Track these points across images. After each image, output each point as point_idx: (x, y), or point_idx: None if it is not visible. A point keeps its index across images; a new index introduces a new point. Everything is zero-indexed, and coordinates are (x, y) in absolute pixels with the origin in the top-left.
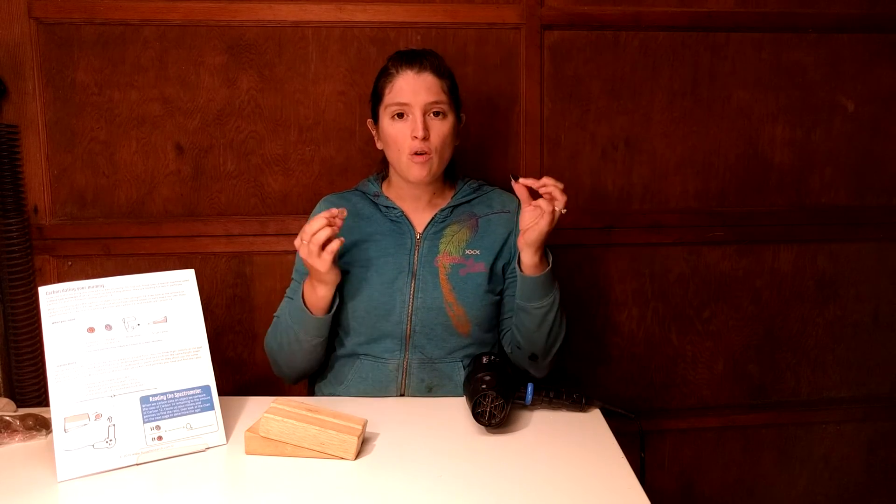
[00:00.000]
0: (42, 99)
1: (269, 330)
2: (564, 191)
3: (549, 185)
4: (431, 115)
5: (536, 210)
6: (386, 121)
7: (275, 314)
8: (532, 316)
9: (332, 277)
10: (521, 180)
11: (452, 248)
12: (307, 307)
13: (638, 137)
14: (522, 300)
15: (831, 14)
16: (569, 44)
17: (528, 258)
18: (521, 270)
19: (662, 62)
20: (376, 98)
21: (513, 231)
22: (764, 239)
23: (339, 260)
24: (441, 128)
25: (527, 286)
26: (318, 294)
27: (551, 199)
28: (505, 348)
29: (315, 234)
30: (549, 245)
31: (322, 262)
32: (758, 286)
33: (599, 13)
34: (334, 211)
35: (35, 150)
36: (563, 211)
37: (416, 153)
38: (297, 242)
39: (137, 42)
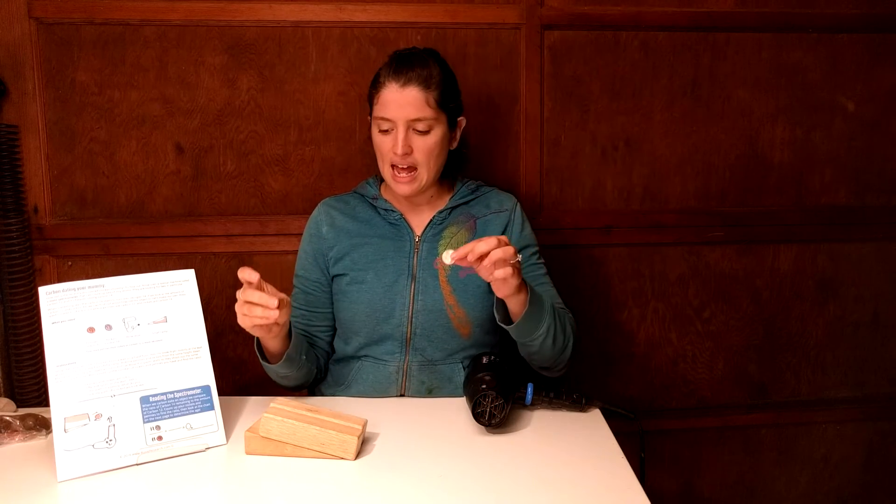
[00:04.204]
0: (42, 99)
1: None
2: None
3: (479, 254)
4: (414, 130)
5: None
6: (374, 130)
7: None
8: (531, 346)
9: (279, 334)
10: (451, 261)
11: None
12: (267, 360)
13: (638, 137)
14: (518, 338)
15: (831, 14)
16: (569, 44)
17: (511, 305)
18: (504, 325)
19: (662, 62)
20: (370, 103)
21: (510, 227)
22: (764, 239)
23: (339, 264)
24: (425, 143)
25: (517, 329)
26: (270, 348)
27: (490, 266)
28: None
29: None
30: (549, 245)
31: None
32: (758, 286)
33: (599, 13)
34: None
35: (35, 150)
36: (518, 259)
37: (396, 166)
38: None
39: (137, 42)
